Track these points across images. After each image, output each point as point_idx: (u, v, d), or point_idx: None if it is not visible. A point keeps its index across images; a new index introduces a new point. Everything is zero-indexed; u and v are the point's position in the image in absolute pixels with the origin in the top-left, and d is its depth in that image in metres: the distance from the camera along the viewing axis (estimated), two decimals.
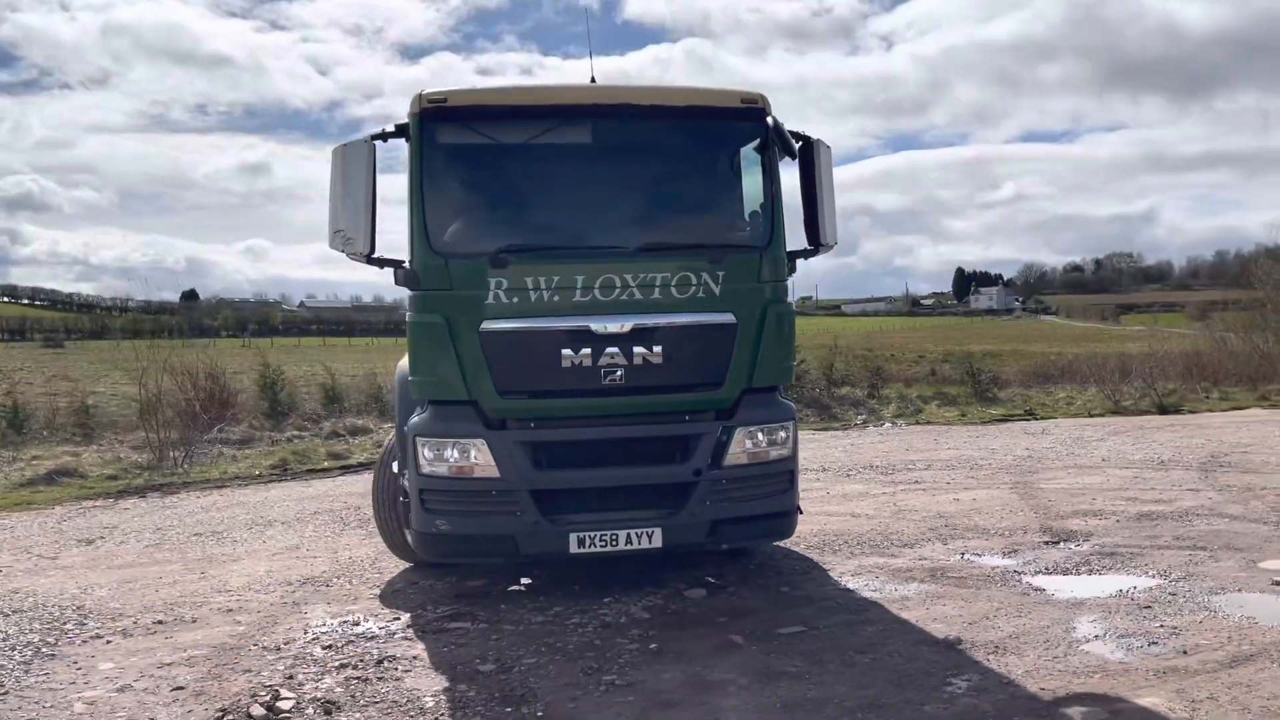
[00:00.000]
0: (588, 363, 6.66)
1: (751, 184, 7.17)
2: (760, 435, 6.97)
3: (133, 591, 7.55)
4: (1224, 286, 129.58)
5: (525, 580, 7.61)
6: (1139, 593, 6.95)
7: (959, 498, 10.57)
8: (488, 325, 6.62)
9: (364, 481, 12.28)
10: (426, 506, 6.74)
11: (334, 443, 15.98)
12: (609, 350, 6.66)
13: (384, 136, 6.93)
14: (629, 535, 6.73)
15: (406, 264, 6.82)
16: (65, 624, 6.75)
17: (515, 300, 6.63)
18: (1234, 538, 8.49)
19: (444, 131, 6.82)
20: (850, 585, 7.35)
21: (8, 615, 6.96)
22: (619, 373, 6.69)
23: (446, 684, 5.46)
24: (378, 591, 7.48)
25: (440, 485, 6.72)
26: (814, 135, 7.19)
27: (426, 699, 5.26)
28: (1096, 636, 6.03)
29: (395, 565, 8.15)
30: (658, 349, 6.70)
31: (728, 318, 6.82)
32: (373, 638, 6.34)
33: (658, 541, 6.77)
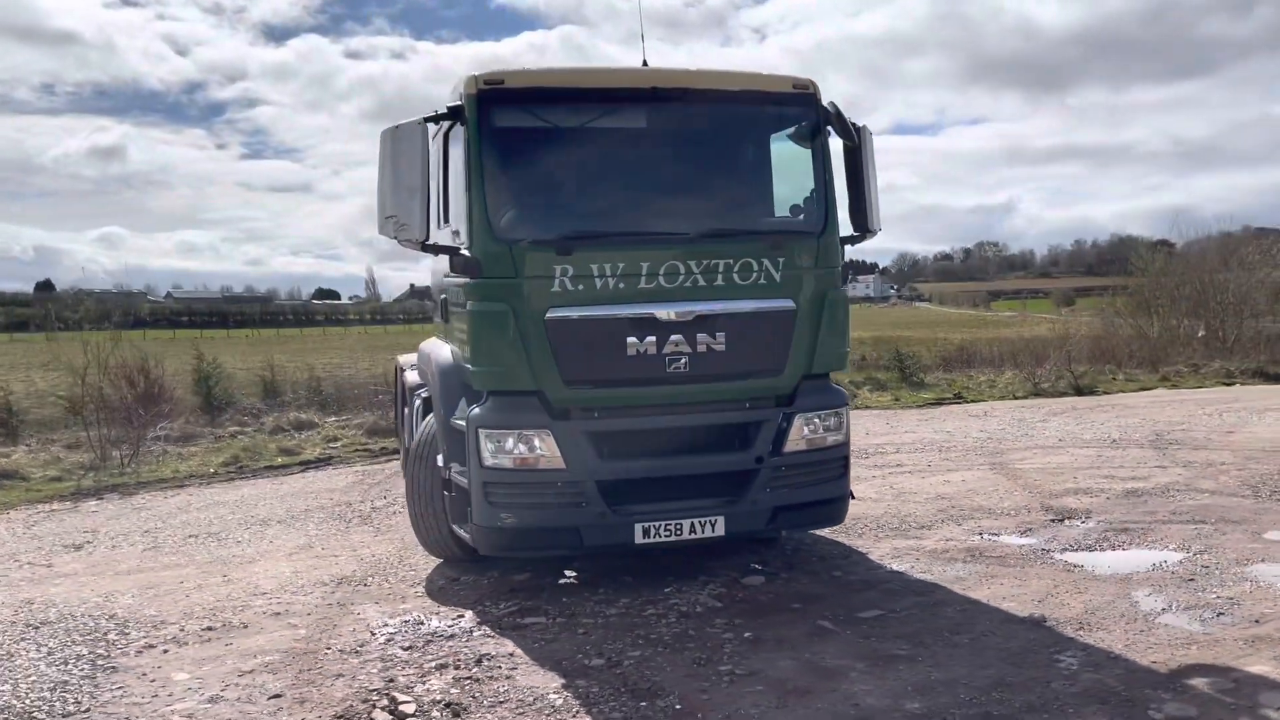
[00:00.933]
0: (652, 351, 6.60)
1: (804, 169, 7.17)
2: (818, 421, 7.01)
3: (160, 598, 7.15)
4: (1080, 274, 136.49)
5: (570, 573, 7.49)
6: (1173, 566, 7.25)
7: (948, 479, 10.83)
8: (554, 313, 6.49)
9: (339, 477, 11.93)
10: (490, 500, 6.57)
11: (281, 438, 15.42)
12: (673, 338, 6.61)
13: (435, 119, 6.70)
14: (693, 524, 6.71)
15: (463, 251, 6.62)
16: (107, 634, 6.36)
17: (581, 288, 6.52)
18: (1225, 511, 8.92)
19: (500, 114, 6.64)
20: (896, 568, 7.47)
21: (37, 628, 6.52)
22: (683, 360, 6.65)
23: (562, 680, 5.34)
24: (421, 589, 7.26)
25: (504, 478, 6.56)
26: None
27: (551, 696, 5.14)
28: (1164, 610, 6.27)
29: (424, 562, 7.93)
30: (720, 336, 6.68)
31: (788, 304, 6.84)
32: (451, 636, 6.16)
33: (720, 530, 6.77)
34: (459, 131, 6.75)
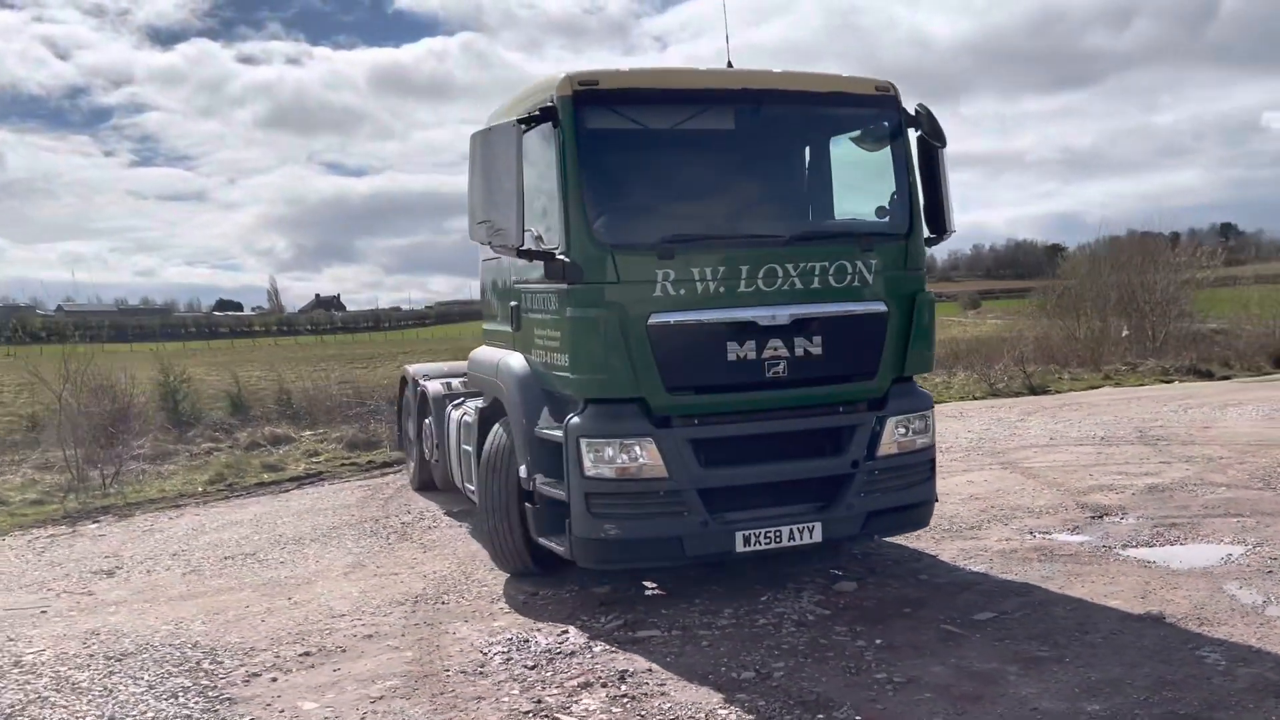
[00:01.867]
0: (751, 355, 6.53)
1: (883, 171, 7.16)
2: (909, 425, 7.02)
3: (234, 624, 6.80)
4: (979, 277, 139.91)
5: (649, 584, 7.35)
6: (1241, 559, 7.43)
7: (970, 479, 10.96)
8: (656, 318, 6.37)
9: (343, 493, 11.56)
10: (593, 511, 6.41)
11: (259, 454, 14.87)
12: (772, 342, 6.56)
13: (529, 122, 6.51)
14: (791, 531, 6.65)
15: (559, 256, 6.44)
16: (200, 664, 6.02)
17: (682, 292, 6.41)
18: (1253, 504, 9.18)
19: (593, 116, 6.50)
20: (976, 569, 7.51)
21: (120, 659, 6.13)
22: (781, 365, 6.60)
23: (721, 695, 5.21)
24: (504, 605, 7.05)
25: (607, 488, 6.41)
26: None
27: (720, 711, 5.02)
28: (1268, 602, 6.42)
29: (491, 577, 7.71)
30: (817, 339, 6.64)
31: (880, 306, 6.84)
32: (571, 653, 5.98)
33: (818, 536, 6.72)
34: (540, 133, 6.56)
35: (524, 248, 6.48)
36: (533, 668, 5.76)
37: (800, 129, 7.15)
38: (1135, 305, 30.14)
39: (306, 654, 6.15)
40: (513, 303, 7.51)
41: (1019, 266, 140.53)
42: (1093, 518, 9.02)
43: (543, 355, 6.98)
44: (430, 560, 8.34)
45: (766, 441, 6.74)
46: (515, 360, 7.42)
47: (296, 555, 8.70)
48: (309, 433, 16.25)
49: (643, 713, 5.03)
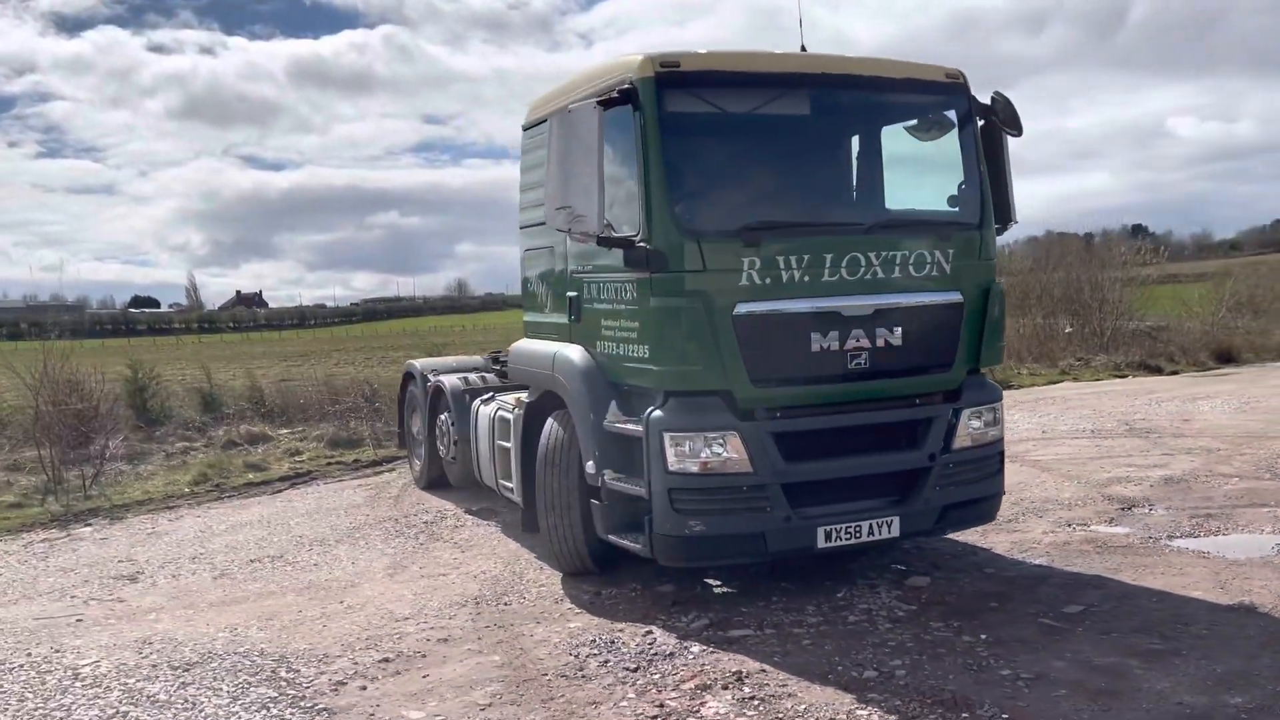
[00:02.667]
0: (834, 346, 6.40)
1: (951, 159, 7.07)
2: (981, 417, 6.95)
3: (292, 629, 6.46)
4: None
5: (713, 581, 7.18)
6: None
7: None
8: (742, 308, 6.19)
9: (345, 492, 11.19)
10: (676, 507, 6.21)
11: (237, 454, 14.33)
12: (854, 333, 6.43)
13: (608, 103, 6.28)
14: (870, 526, 6.54)
15: (640, 243, 6.23)
16: (276, 672, 5.68)
17: (768, 281, 6.25)
18: (1275, 495, 9.32)
19: (674, 98, 6.30)
20: (1036, 561, 7.48)
21: (188, 669, 5.76)
22: (863, 357, 6.48)
23: (853, 696, 5.05)
24: (571, 605, 6.81)
25: (691, 483, 6.22)
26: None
27: (858, 711, 4.85)
28: None
29: (544, 577, 7.47)
30: (897, 330, 6.54)
31: (957, 297, 6.75)
32: (670, 654, 5.78)
33: (896, 531, 6.62)
34: (612, 116, 6.29)
35: (604, 235, 6.25)
36: (634, 670, 5.54)
37: (874, 115, 7.04)
38: (1081, 302, 30.75)
39: (386, 660, 5.84)
40: (571, 293, 7.26)
41: None
42: (1123, 509, 9.07)
43: (612, 347, 6.76)
44: (472, 560, 8.05)
45: (845, 435, 6.61)
46: (574, 353, 7.17)
47: (327, 557, 8.34)
48: (286, 431, 15.73)
49: (777, 714, 4.85)
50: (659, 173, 6.19)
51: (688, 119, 6.39)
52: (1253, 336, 26.98)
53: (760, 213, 6.46)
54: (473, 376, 10.32)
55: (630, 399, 6.77)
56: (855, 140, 7.18)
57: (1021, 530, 8.41)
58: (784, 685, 5.22)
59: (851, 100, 6.83)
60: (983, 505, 7.08)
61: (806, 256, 6.33)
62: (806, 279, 6.34)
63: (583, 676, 5.47)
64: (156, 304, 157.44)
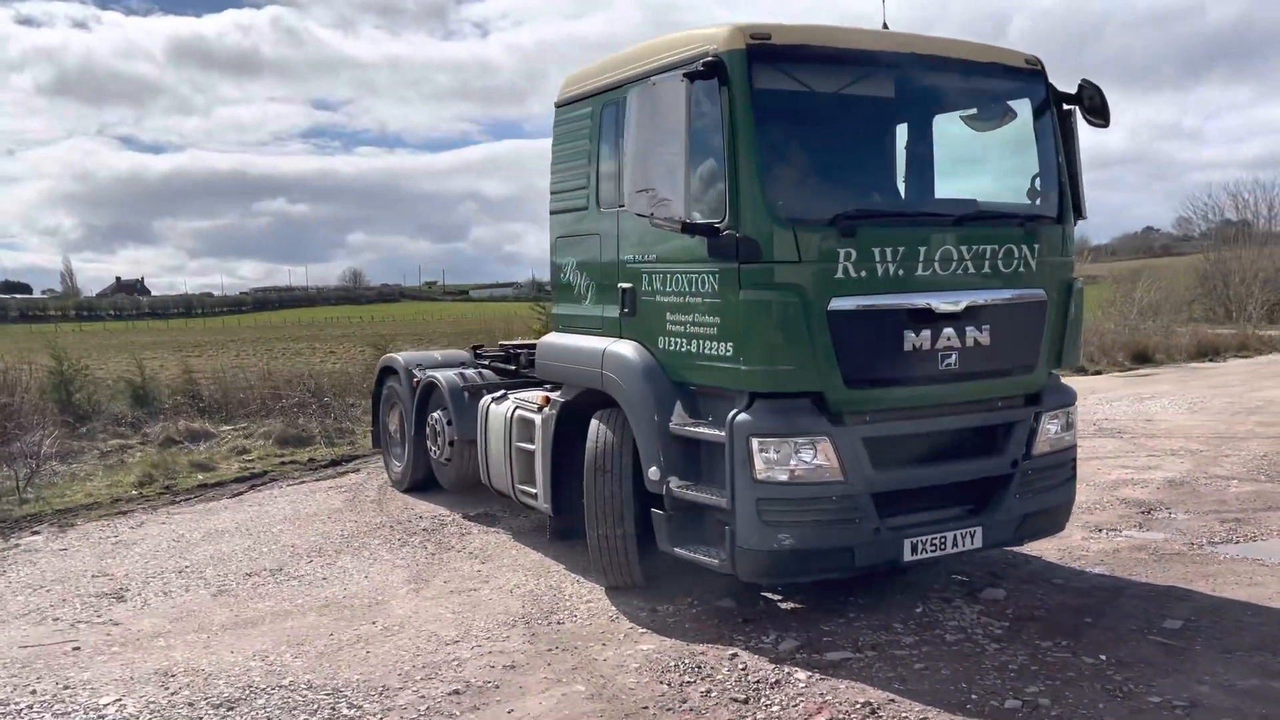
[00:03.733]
0: (926, 345, 5.98)
1: (1026, 149, 6.72)
2: (1059, 420, 6.63)
3: (331, 658, 5.75)
4: None
5: (774, 595, 6.71)
6: None
7: None
8: (837, 303, 5.72)
9: (316, 496, 10.41)
10: (764, 519, 5.72)
11: (180, 451, 13.31)
12: (946, 331, 6.03)
13: (693, 76, 5.72)
14: (955, 537, 6.17)
15: (728, 231, 5.71)
16: (338, 709, 5.00)
17: (864, 274, 5.80)
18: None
19: (764, 74, 5.80)
20: (1096, 570, 7.22)
21: (232, 706, 5.03)
22: (953, 357, 6.08)
23: None
24: (632, 625, 6.26)
25: (781, 493, 5.73)
26: None
27: None
28: None
29: (586, 591, 6.89)
30: (985, 329, 6.16)
31: (1041, 294, 6.41)
32: (775, 682, 5.28)
33: (978, 542, 6.26)
34: (683, 90, 5.70)
35: (691, 222, 5.70)
36: (744, 701, 5.04)
37: (955, 100, 6.62)
38: None
39: (456, 692, 5.21)
40: (624, 285, 6.69)
41: None
42: (1143, 513, 8.93)
43: (680, 343, 6.22)
44: (499, 573, 7.40)
45: (931, 440, 6.21)
46: (628, 349, 6.61)
47: (333, 570, 7.59)
48: (229, 428, 14.70)
49: None
50: (750, 155, 5.68)
51: (777, 97, 5.89)
52: (1161, 338, 27.71)
53: (851, 201, 6.00)
54: (470, 372, 9.64)
55: (696, 400, 6.26)
56: (941, 125, 6.76)
57: (1059, 536, 8.13)
58: (924, 717, 4.76)
59: (937, 83, 6.40)
60: (1057, 514, 6.76)
61: (901, 249, 5.90)
62: (901, 273, 5.91)
63: (690, 710, 4.94)
64: (28, 289, 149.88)
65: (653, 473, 6.24)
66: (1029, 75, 6.62)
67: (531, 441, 7.75)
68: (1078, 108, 6.72)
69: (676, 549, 6.24)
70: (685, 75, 5.69)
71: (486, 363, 10.39)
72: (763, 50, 5.77)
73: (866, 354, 5.86)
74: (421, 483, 10.26)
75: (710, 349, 5.98)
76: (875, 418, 5.98)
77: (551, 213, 7.64)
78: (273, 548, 8.28)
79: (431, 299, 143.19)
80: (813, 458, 5.76)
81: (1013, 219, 6.40)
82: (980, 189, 6.84)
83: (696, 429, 6.06)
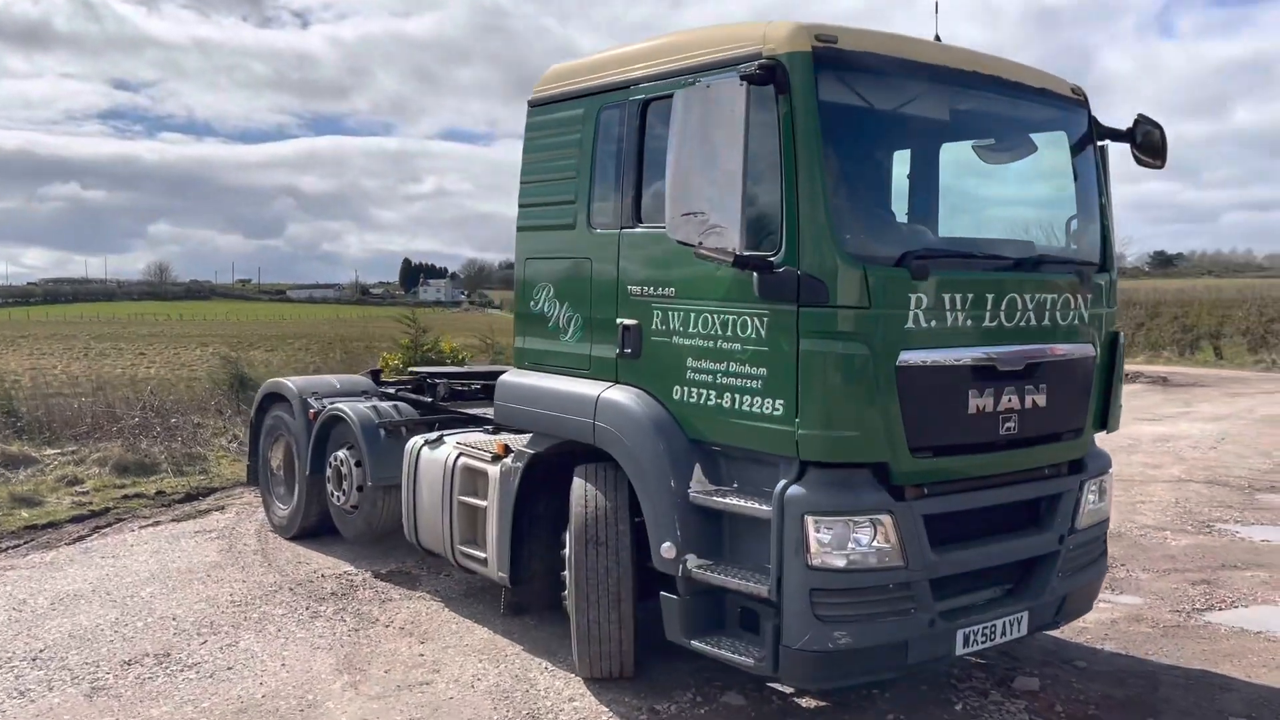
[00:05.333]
0: (989, 406, 5.22)
1: (1065, 187, 6.07)
2: (1099, 489, 5.97)
3: None
4: None
5: (784, 689, 5.78)
6: None
7: None
8: (906, 357, 4.86)
9: (187, 544, 8.89)
10: (819, 614, 4.80)
11: None
12: (1006, 390, 5.27)
13: (750, 80, 4.75)
14: (1004, 625, 5.42)
15: (785, 267, 4.77)
16: None
17: (933, 324, 4.98)
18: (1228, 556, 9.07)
19: (829, 84, 4.89)
20: (1109, 648, 6.65)
21: None
22: (1013, 420, 5.33)
23: None
24: None
25: (837, 582, 4.83)
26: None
27: None
28: None
29: (560, 684, 5.82)
30: (1043, 388, 5.44)
31: (1090, 350, 5.75)
32: None
33: (1024, 628, 5.56)
34: (742, 96, 4.72)
35: (745, 253, 4.71)
36: None
37: (1003, 127, 5.87)
38: None
39: None
40: (627, 320, 5.63)
41: None
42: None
43: (706, 395, 5.22)
44: (447, 658, 6.18)
45: (983, 515, 5.42)
46: (630, 397, 5.56)
47: (237, 654, 6.18)
48: (54, 451, 12.69)
49: None
50: (816, 179, 4.75)
51: (840, 111, 4.98)
52: None
53: (915, 237, 5.17)
54: (384, 406, 8.32)
55: (717, 461, 5.28)
56: (996, 155, 5.99)
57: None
58: None
59: (991, 107, 5.65)
60: (1090, 592, 6.12)
61: (970, 296, 5.09)
62: (969, 323, 5.11)
63: None
64: None
65: (666, 549, 5.21)
66: (1074, 105, 5.96)
67: (480, 496, 6.60)
68: (1110, 142, 6.10)
69: (694, 642, 5.22)
70: (744, 77, 4.70)
71: (392, 391, 9.10)
72: (829, 55, 4.85)
73: (931, 417, 5.02)
74: (313, 529, 8.86)
75: (750, 405, 5.00)
76: (932, 491, 5.13)
77: (520, 229, 6.50)
78: (149, 621, 6.77)
79: (245, 298, 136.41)
80: (871, 539, 4.86)
81: (1069, 265, 5.70)
82: (1055, 232, 6.09)
83: (727, 501, 5.08)
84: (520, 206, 6.48)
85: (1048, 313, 5.45)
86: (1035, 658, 6.39)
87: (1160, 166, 6.04)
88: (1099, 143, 6.09)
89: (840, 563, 4.81)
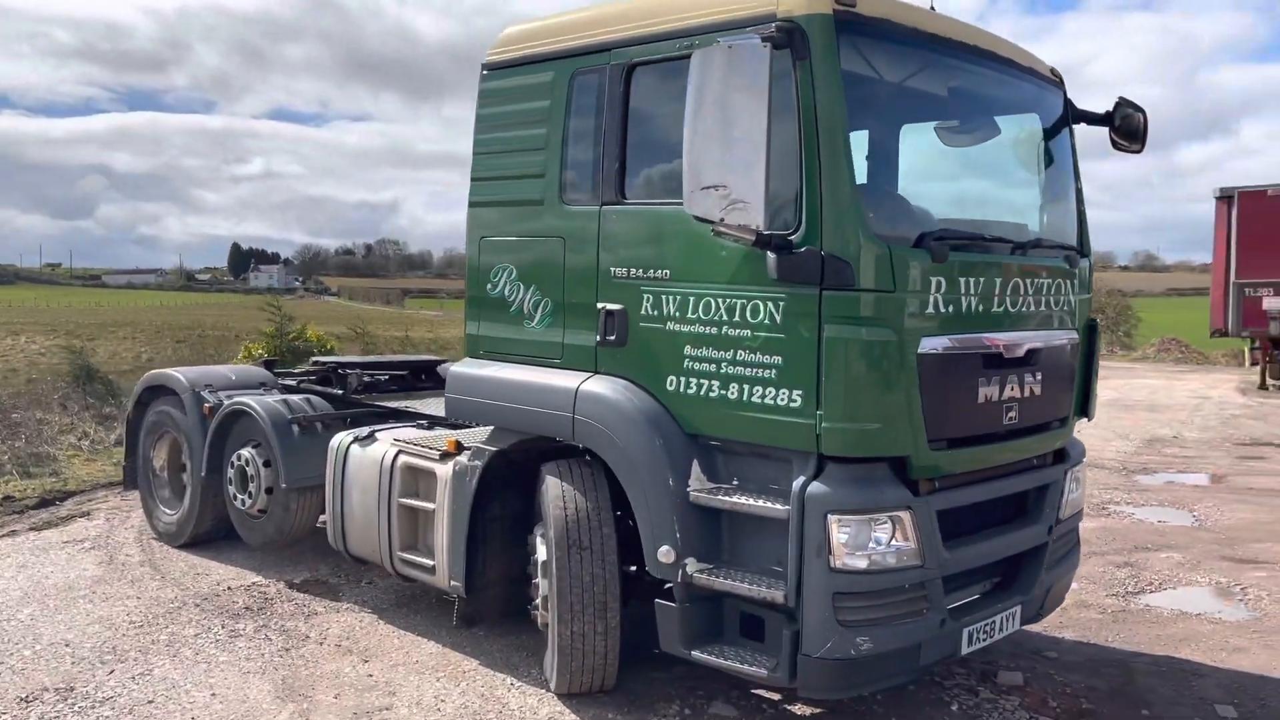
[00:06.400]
0: (995, 396, 5.03)
1: (1053, 171, 5.93)
2: (1078, 478, 5.89)
3: None
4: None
5: (772, 695, 5.47)
6: None
7: None
8: (927, 344, 4.61)
9: (58, 557, 7.99)
10: (843, 619, 4.51)
11: None
12: (1010, 378, 5.10)
13: (773, 41, 4.36)
14: (1001, 621, 5.26)
15: (806, 246, 4.43)
16: None
17: (949, 310, 4.76)
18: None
19: (847, 51, 4.57)
20: (1068, 636, 6.59)
21: None
22: (1015, 409, 5.16)
23: None
24: None
25: (859, 584, 4.54)
26: None
27: None
28: None
29: (536, 702, 5.32)
30: (1039, 375, 5.30)
31: (1075, 335, 5.64)
32: None
33: (1018, 623, 5.44)
34: (766, 59, 4.33)
35: (768, 232, 4.34)
36: None
37: (994, 105, 5.66)
38: None
39: None
40: (609, 305, 5.16)
41: None
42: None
43: (708, 386, 4.82)
44: (400, 677, 5.59)
45: (984, 508, 5.22)
46: (615, 389, 5.11)
47: (152, 684, 5.42)
48: None
49: None
50: (840, 153, 4.43)
51: (855, 81, 4.66)
52: None
53: (927, 219, 4.91)
54: (295, 399, 7.58)
55: (714, 457, 4.91)
56: (990, 136, 5.76)
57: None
58: None
59: (984, 85, 5.44)
60: (1066, 584, 6.03)
61: (982, 280, 4.89)
62: (980, 308, 4.89)
63: None
64: None
65: (664, 553, 4.80)
66: (1052, 87, 5.82)
67: (425, 498, 6.03)
68: (1080, 126, 5.99)
69: (694, 653, 4.83)
70: (765, 38, 4.31)
71: (294, 384, 8.35)
72: (849, 20, 4.52)
73: (947, 407, 4.78)
74: (206, 536, 8.03)
75: (761, 396, 4.63)
76: (942, 484, 4.89)
77: (474, 204, 5.93)
78: (38, 650, 5.90)
79: (56, 283, 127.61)
80: (889, 538, 4.58)
81: (1059, 249, 5.57)
82: (1046, 216, 5.90)
83: (736, 500, 4.70)
84: (473, 180, 5.91)
85: (1043, 298, 5.30)
86: (1006, 650, 6.25)
87: (1139, 151, 5.96)
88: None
89: (862, 564, 4.51)
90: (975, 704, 5.43)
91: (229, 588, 7.09)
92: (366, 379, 8.07)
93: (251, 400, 7.45)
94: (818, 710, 5.33)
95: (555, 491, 5.25)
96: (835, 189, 4.40)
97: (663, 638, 4.92)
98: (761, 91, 4.24)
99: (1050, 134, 5.84)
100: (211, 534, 8.03)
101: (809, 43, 4.43)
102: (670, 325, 4.94)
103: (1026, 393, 5.19)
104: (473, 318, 5.95)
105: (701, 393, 4.84)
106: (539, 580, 5.42)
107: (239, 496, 7.50)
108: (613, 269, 5.16)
